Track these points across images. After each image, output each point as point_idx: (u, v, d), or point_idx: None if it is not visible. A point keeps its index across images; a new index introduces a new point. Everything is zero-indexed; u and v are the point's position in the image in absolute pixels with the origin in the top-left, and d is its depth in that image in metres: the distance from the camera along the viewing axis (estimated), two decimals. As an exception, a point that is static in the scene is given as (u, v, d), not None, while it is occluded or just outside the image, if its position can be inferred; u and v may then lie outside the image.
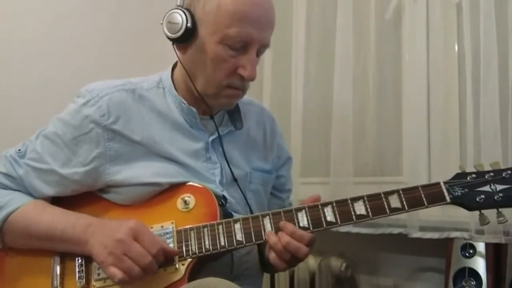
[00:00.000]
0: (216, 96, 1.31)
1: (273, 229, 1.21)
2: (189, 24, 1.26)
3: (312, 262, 2.04)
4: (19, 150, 1.34)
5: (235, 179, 1.37)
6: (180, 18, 1.26)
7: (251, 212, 1.37)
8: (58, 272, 1.25)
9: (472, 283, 1.63)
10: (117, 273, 1.14)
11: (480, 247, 1.65)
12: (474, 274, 1.63)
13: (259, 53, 1.30)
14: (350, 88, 1.98)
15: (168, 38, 1.30)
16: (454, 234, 1.70)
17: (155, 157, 1.30)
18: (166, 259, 1.20)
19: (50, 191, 1.31)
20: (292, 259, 1.21)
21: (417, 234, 1.77)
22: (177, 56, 1.34)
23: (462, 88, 1.77)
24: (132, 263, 1.14)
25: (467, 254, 1.67)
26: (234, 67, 1.27)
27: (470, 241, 1.66)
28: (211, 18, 1.24)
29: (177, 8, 1.28)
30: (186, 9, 1.27)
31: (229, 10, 1.22)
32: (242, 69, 1.26)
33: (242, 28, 1.23)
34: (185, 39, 1.28)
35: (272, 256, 1.21)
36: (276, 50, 2.27)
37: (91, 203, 1.32)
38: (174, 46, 1.32)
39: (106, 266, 1.16)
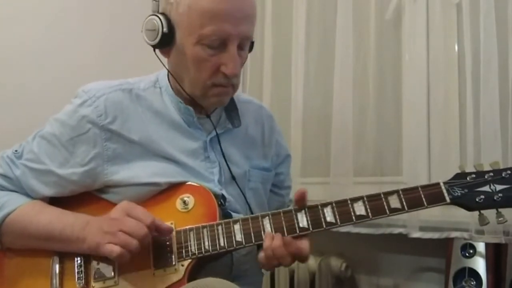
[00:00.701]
0: (204, 96, 1.31)
1: (273, 230, 1.21)
2: (165, 29, 1.26)
3: (312, 262, 2.04)
4: (16, 150, 1.34)
5: (233, 177, 1.37)
6: (156, 24, 1.26)
7: (251, 210, 1.37)
8: (57, 272, 1.25)
9: (472, 283, 1.63)
10: (114, 248, 1.15)
11: (480, 247, 1.65)
12: (474, 274, 1.63)
13: (242, 47, 1.29)
14: (350, 88, 1.97)
15: (149, 45, 1.30)
16: (454, 234, 1.70)
17: (153, 157, 1.31)
18: (166, 257, 1.20)
19: (47, 191, 1.31)
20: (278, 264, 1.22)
21: (417, 234, 1.77)
22: (161, 61, 1.34)
23: (462, 88, 1.77)
24: (128, 236, 1.15)
25: (467, 254, 1.67)
26: (216, 66, 1.26)
27: (470, 241, 1.66)
28: (184, 20, 1.24)
29: (153, 14, 1.28)
30: (162, 13, 1.27)
31: (200, 10, 1.21)
32: (224, 67, 1.26)
33: (216, 25, 1.22)
34: (164, 44, 1.28)
35: (260, 256, 1.22)
36: (276, 50, 2.27)
37: (90, 203, 1.32)
38: (156, 52, 1.32)
39: (102, 246, 1.17)
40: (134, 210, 1.19)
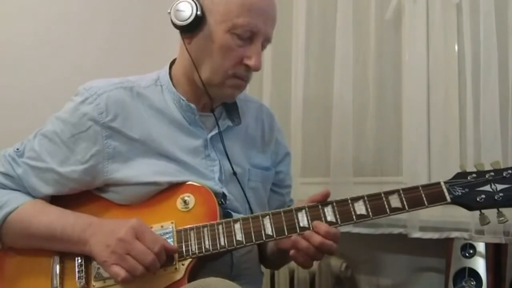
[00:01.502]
0: (221, 86, 1.32)
1: (273, 229, 1.21)
2: (199, 12, 1.27)
3: (312, 262, 2.04)
4: (18, 149, 1.34)
5: (234, 174, 1.37)
6: (189, 6, 1.28)
7: (251, 209, 1.37)
8: (58, 272, 1.24)
9: (472, 283, 1.63)
10: (120, 272, 1.14)
11: (480, 247, 1.65)
12: (474, 274, 1.63)
13: (262, 47, 1.32)
14: (350, 88, 1.97)
15: (176, 26, 1.31)
16: (454, 234, 1.70)
17: (153, 155, 1.31)
18: (167, 256, 1.20)
19: (48, 190, 1.31)
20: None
21: (417, 234, 1.77)
22: (184, 44, 1.34)
23: (462, 88, 1.77)
24: (135, 262, 1.14)
25: (467, 254, 1.67)
26: (241, 57, 1.29)
27: (470, 241, 1.66)
28: (220, 7, 1.27)
29: None
30: None
31: (240, 0, 1.26)
32: (248, 59, 1.29)
33: (251, 18, 1.26)
34: (193, 28, 1.29)
35: (301, 260, 1.21)
36: (276, 50, 2.27)
37: (91, 202, 1.32)
38: (181, 34, 1.33)
39: (108, 266, 1.16)
40: (143, 233, 1.18)
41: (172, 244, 1.22)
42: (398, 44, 1.97)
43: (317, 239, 1.18)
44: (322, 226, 1.19)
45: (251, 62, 1.29)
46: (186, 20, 1.28)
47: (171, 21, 1.30)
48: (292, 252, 1.22)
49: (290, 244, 1.22)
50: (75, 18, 2.11)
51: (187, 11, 1.28)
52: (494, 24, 1.63)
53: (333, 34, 2.02)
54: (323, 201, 1.23)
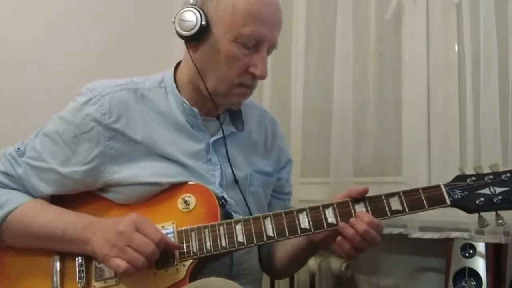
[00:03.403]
0: (226, 95, 1.32)
1: (274, 230, 1.21)
2: (203, 22, 1.27)
3: (312, 262, 2.03)
4: (18, 148, 1.33)
5: (236, 181, 1.37)
6: (194, 16, 1.27)
7: (250, 214, 1.36)
8: (58, 272, 1.24)
9: (472, 283, 1.63)
10: (121, 263, 1.14)
11: (480, 247, 1.65)
12: (474, 274, 1.63)
13: (268, 53, 1.32)
14: (350, 88, 1.97)
15: (181, 36, 1.30)
16: (454, 234, 1.71)
17: (155, 157, 1.30)
18: (167, 249, 1.20)
19: (49, 190, 1.31)
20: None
21: (417, 234, 1.77)
22: (189, 54, 1.34)
23: (462, 88, 1.77)
24: (135, 253, 1.14)
25: (467, 254, 1.67)
26: (246, 66, 1.29)
27: (470, 241, 1.66)
28: (225, 17, 1.26)
29: (190, 6, 1.29)
30: (199, 8, 1.28)
31: (244, 10, 1.25)
32: (254, 68, 1.29)
33: (256, 27, 1.26)
34: (198, 37, 1.29)
35: (346, 248, 1.21)
36: (276, 50, 2.26)
37: (91, 202, 1.32)
38: (186, 44, 1.33)
39: (109, 259, 1.16)
40: (143, 225, 1.17)
41: (173, 245, 1.22)
42: (398, 44, 1.97)
43: (362, 226, 1.18)
44: (365, 216, 1.20)
45: (257, 71, 1.29)
46: (191, 30, 1.27)
47: (176, 30, 1.30)
48: (338, 239, 1.21)
49: (323, 236, 1.24)
50: (75, 18, 2.11)
51: (191, 21, 1.27)
52: (494, 24, 1.63)
53: (333, 34, 2.02)
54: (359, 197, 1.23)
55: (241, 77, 1.30)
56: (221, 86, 1.31)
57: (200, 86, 1.34)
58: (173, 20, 1.30)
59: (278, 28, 1.33)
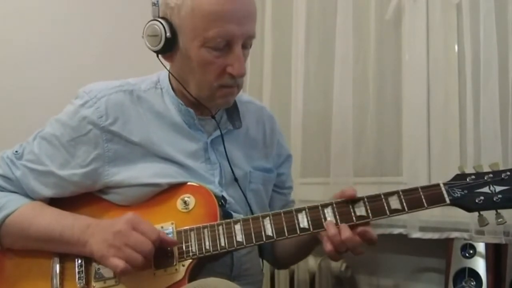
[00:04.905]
0: (211, 98, 1.31)
1: (274, 230, 1.21)
2: (168, 34, 1.25)
3: (312, 262, 2.04)
4: (16, 151, 1.34)
5: (235, 179, 1.37)
6: (158, 29, 1.25)
7: (251, 212, 1.37)
8: (58, 273, 1.25)
9: (472, 283, 1.63)
10: (119, 263, 1.14)
11: (480, 247, 1.65)
12: (474, 274, 1.63)
13: (246, 45, 1.29)
14: (350, 89, 1.97)
15: (152, 50, 1.29)
16: (454, 235, 1.70)
17: (153, 158, 1.30)
18: (166, 247, 1.20)
19: (48, 192, 1.31)
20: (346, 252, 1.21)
21: (417, 234, 1.77)
22: (164, 66, 1.34)
23: (462, 88, 1.77)
24: (133, 252, 1.14)
25: (467, 255, 1.67)
26: (222, 67, 1.26)
27: (470, 242, 1.65)
28: (188, 23, 1.23)
29: (154, 20, 1.27)
30: (163, 18, 1.26)
31: (203, 12, 1.21)
32: (231, 68, 1.25)
33: (221, 27, 1.21)
34: (167, 49, 1.28)
35: (328, 248, 1.19)
36: (276, 50, 2.27)
37: (90, 204, 1.32)
38: (159, 57, 1.32)
39: (107, 259, 1.16)
40: (140, 224, 1.17)
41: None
42: (398, 44, 1.97)
43: (346, 232, 1.17)
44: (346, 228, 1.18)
45: (234, 71, 1.25)
46: (158, 44, 1.26)
47: (146, 46, 1.29)
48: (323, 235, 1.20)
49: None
50: (75, 18, 2.11)
51: (157, 35, 1.26)
52: (494, 24, 1.62)
53: (333, 34, 2.02)
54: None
55: (220, 79, 1.27)
56: (203, 91, 1.30)
57: (185, 93, 1.34)
58: (142, 35, 1.29)
59: (249, 19, 1.26)
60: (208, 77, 1.27)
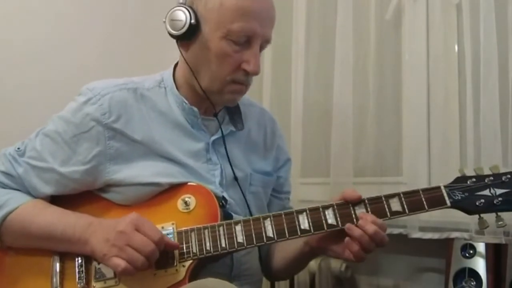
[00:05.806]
0: (220, 92, 1.32)
1: (274, 231, 1.21)
2: (193, 21, 1.27)
3: (312, 262, 2.02)
4: (19, 148, 1.34)
5: (236, 179, 1.37)
6: (183, 15, 1.27)
7: (250, 214, 1.37)
8: (58, 272, 1.25)
9: (472, 283, 1.63)
10: (120, 263, 1.14)
11: (480, 247, 1.65)
12: (474, 274, 1.63)
13: (261, 48, 1.32)
14: (350, 88, 1.97)
15: (171, 35, 1.30)
16: (454, 235, 1.70)
17: (155, 157, 1.31)
18: (167, 250, 1.20)
19: (49, 190, 1.31)
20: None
21: (417, 235, 1.77)
22: (181, 53, 1.34)
23: (462, 88, 1.77)
24: (135, 252, 1.14)
25: (467, 255, 1.67)
26: (238, 62, 1.28)
27: (470, 242, 1.66)
28: (214, 14, 1.26)
29: (179, 6, 1.29)
30: (189, 6, 1.28)
31: (233, 6, 1.24)
32: (246, 64, 1.28)
33: (246, 22, 1.25)
34: (188, 36, 1.29)
35: (355, 249, 1.19)
36: (276, 50, 2.27)
37: (91, 202, 1.32)
38: (178, 43, 1.33)
39: (109, 258, 1.16)
40: (143, 225, 1.17)
41: (173, 246, 1.22)
42: (398, 44, 1.97)
43: (371, 227, 1.17)
44: (368, 216, 1.19)
45: (249, 67, 1.28)
46: (181, 29, 1.28)
47: (167, 30, 1.30)
48: (346, 239, 1.20)
49: (321, 240, 1.25)
50: (75, 18, 2.11)
51: (181, 20, 1.27)
52: (494, 24, 1.63)
53: (333, 34, 2.02)
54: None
55: (234, 74, 1.29)
56: (214, 84, 1.31)
57: (195, 85, 1.34)
58: (164, 19, 1.30)
59: (271, 23, 1.32)
60: (223, 69, 1.28)
